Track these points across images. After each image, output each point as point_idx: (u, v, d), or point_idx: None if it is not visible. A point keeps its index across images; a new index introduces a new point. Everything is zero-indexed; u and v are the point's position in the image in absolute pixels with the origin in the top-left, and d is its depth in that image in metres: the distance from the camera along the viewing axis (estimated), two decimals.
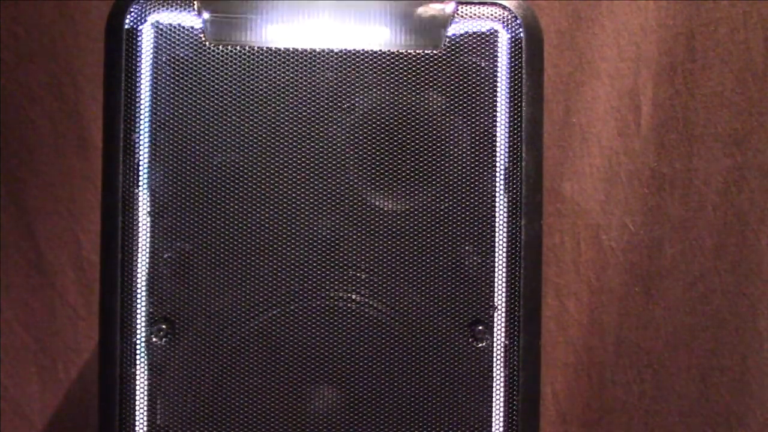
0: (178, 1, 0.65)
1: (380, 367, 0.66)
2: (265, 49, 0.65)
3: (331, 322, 0.65)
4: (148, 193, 0.65)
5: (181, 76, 0.65)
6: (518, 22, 0.66)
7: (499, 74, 0.66)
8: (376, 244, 0.65)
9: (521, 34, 0.66)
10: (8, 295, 1.00)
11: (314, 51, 0.65)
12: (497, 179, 0.66)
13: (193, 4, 0.65)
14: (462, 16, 0.66)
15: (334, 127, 0.65)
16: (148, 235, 0.65)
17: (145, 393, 0.65)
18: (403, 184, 0.66)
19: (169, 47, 0.65)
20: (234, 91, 0.65)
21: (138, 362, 0.65)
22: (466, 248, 0.66)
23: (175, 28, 0.65)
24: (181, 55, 0.65)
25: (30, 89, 0.99)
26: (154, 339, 0.65)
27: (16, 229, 1.00)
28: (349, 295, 0.65)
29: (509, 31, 0.66)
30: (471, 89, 0.66)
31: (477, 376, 0.66)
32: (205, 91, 0.65)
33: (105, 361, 0.65)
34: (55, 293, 1.00)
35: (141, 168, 0.64)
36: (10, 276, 1.00)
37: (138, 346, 0.65)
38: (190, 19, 0.65)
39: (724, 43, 0.98)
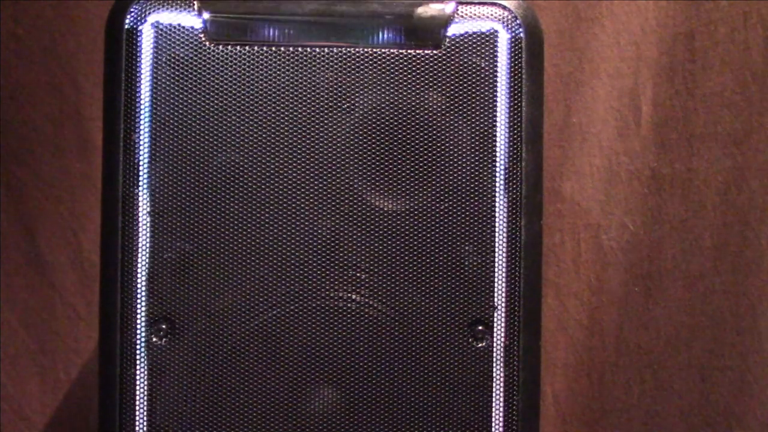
0: (179, 1, 0.65)
1: (380, 368, 0.65)
2: (265, 49, 0.65)
3: (331, 323, 0.65)
4: (148, 193, 0.65)
5: (181, 76, 0.65)
6: (518, 22, 0.66)
7: (499, 74, 0.66)
8: (376, 244, 0.65)
9: (521, 34, 0.66)
10: (8, 295, 1.00)
11: (314, 51, 0.65)
12: (497, 179, 0.66)
13: (194, 4, 0.65)
14: (462, 16, 0.66)
15: (334, 127, 0.65)
16: (148, 234, 0.65)
17: (145, 393, 0.65)
18: (403, 184, 0.66)
19: (169, 47, 0.65)
20: (234, 91, 0.65)
21: (138, 362, 0.65)
22: (466, 248, 0.66)
23: (175, 28, 0.65)
24: (181, 55, 0.65)
25: (30, 89, 0.99)
26: (154, 339, 0.65)
27: (16, 229, 1.00)
28: (349, 295, 0.65)
29: (509, 31, 0.66)
30: (471, 89, 0.66)
31: (477, 376, 0.66)
32: (205, 91, 0.65)
33: (105, 361, 0.65)
34: (55, 293, 1.00)
35: (141, 168, 0.64)
36: (10, 276, 1.00)
37: (138, 346, 0.65)
38: (191, 19, 0.65)
39: (723, 43, 0.98)
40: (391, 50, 0.66)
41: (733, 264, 0.99)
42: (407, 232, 0.65)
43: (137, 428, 0.65)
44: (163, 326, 0.64)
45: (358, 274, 0.65)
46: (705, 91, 0.98)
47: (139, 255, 0.65)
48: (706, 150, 0.99)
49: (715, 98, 0.98)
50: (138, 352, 0.65)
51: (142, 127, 0.64)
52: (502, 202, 0.66)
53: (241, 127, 0.65)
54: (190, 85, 0.65)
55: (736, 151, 0.98)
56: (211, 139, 0.65)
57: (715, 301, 0.99)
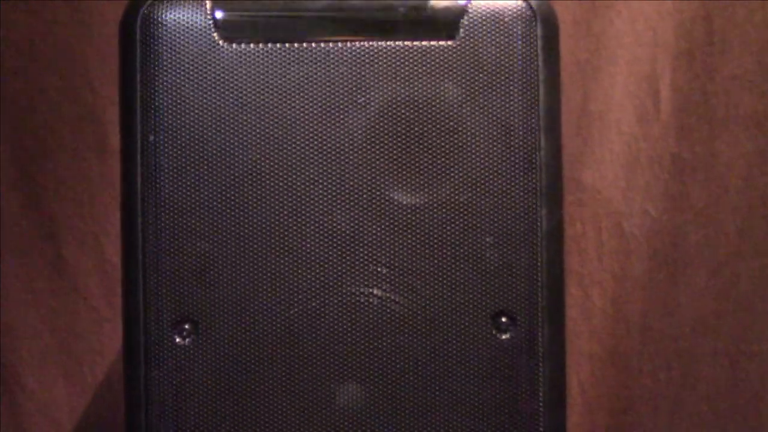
0: (191, 1, 0.65)
1: (404, 362, 0.65)
2: (278, 46, 0.65)
3: (352, 318, 0.65)
4: (167, 194, 0.65)
5: (195, 75, 0.65)
6: (533, 10, 0.66)
7: (515, 63, 0.66)
8: (396, 239, 0.65)
9: (536, 23, 0.66)
10: (32, 300, 1.01)
11: (328, 46, 0.65)
12: (516, 169, 0.66)
13: (206, 4, 0.65)
14: (476, 7, 0.66)
15: (351, 122, 0.65)
16: (169, 235, 0.65)
17: (171, 393, 0.65)
18: (422, 177, 0.65)
19: (183, 47, 0.65)
20: (249, 89, 0.65)
21: (163, 363, 0.65)
22: (487, 240, 0.65)
23: (188, 28, 0.65)
24: (195, 54, 0.65)
25: (47, 94, 0.99)
26: (177, 339, 0.65)
27: (38, 233, 1.00)
28: (370, 290, 0.65)
29: (524, 19, 0.66)
30: (487, 80, 0.65)
31: (502, 368, 0.66)
32: (220, 90, 0.65)
33: (130, 363, 0.65)
34: (79, 296, 1.01)
35: (159, 169, 0.65)
36: (34, 280, 1.01)
37: (162, 347, 0.65)
38: (203, 19, 0.65)
39: (742, 24, 0.97)
40: (406, 43, 0.65)
41: (757, 248, 0.98)
42: (427, 226, 0.65)
43: (163, 428, 0.65)
44: (187, 326, 0.65)
45: (379, 269, 0.65)
46: (724, 73, 0.98)
47: (160, 256, 0.65)
48: (727, 133, 0.98)
49: (735, 81, 0.97)
50: (162, 352, 0.65)
51: (158, 129, 0.65)
52: (521, 193, 0.66)
53: (257, 125, 0.65)
54: (205, 84, 0.65)
55: (758, 134, 0.97)
56: (227, 138, 0.65)
57: (740, 286, 0.98)
